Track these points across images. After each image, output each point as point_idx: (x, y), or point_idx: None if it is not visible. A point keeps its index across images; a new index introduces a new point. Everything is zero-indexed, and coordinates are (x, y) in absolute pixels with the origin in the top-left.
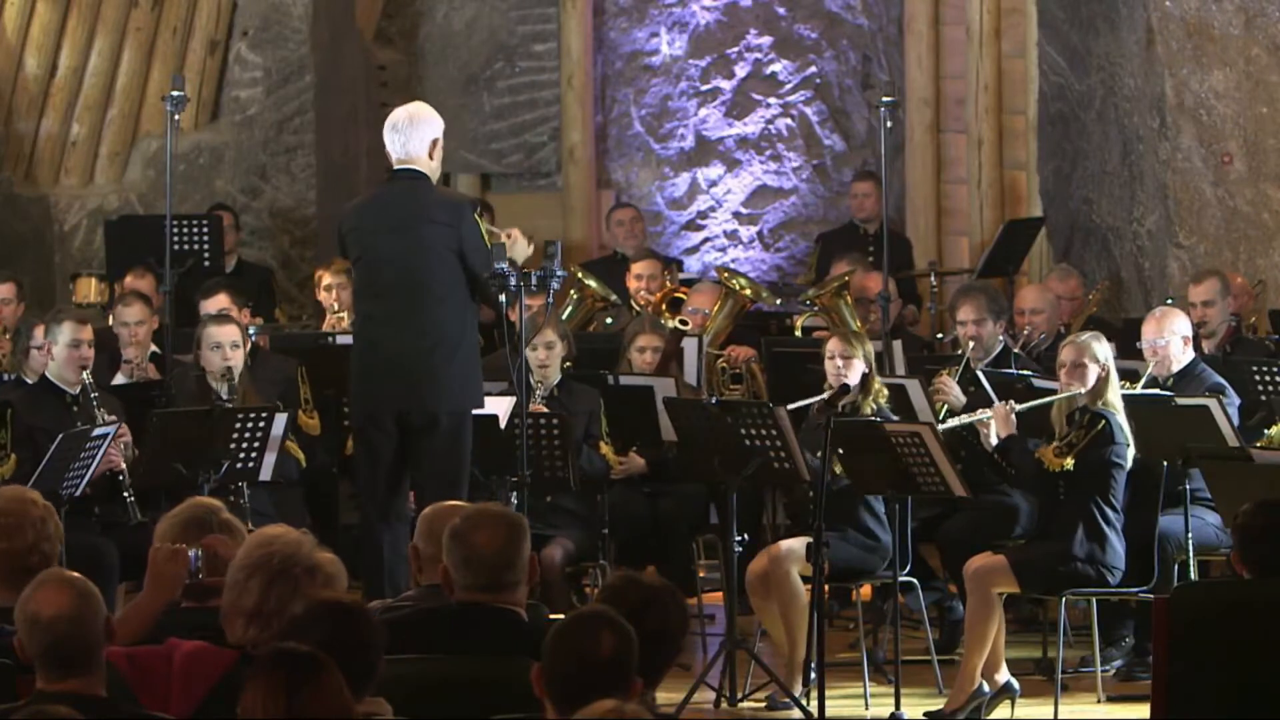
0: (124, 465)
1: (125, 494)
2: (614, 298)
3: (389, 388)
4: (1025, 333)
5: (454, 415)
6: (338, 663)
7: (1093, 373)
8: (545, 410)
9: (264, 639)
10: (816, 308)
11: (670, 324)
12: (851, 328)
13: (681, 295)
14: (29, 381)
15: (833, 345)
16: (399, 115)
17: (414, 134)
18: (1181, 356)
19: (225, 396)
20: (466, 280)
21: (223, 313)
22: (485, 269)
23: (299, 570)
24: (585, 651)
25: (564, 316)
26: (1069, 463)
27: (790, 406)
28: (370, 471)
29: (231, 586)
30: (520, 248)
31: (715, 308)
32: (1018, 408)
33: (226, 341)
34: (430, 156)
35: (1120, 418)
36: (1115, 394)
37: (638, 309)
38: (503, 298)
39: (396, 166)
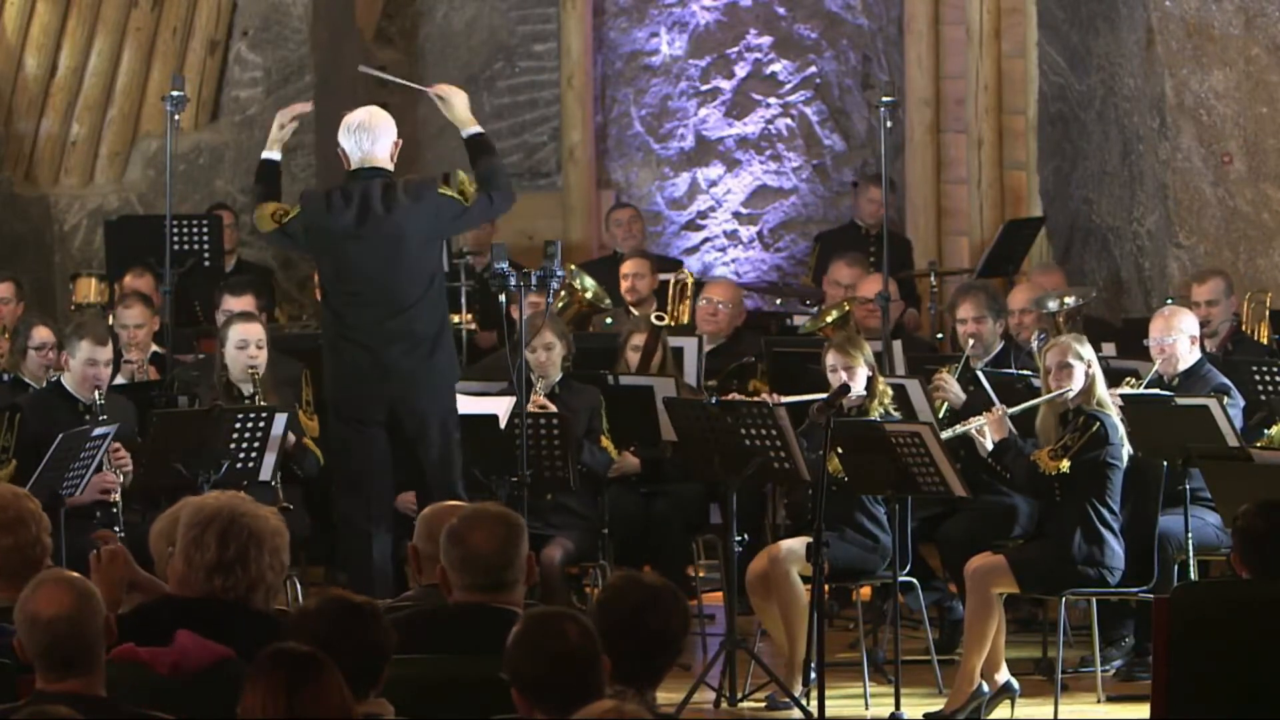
0: (118, 497)
1: (115, 528)
2: (608, 302)
3: (374, 392)
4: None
5: (443, 413)
6: (344, 662)
7: (1079, 371)
8: (549, 404)
9: (230, 586)
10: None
11: (640, 317)
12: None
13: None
14: (29, 383)
15: (832, 358)
16: (358, 117)
17: (379, 137)
18: (1188, 356)
19: (248, 395)
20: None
21: (245, 312)
22: (482, 213)
23: (249, 518)
24: (553, 648)
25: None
26: (1065, 465)
27: (787, 400)
28: (353, 476)
29: (186, 547)
30: (458, 105)
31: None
32: (1010, 411)
33: (253, 339)
34: (391, 159)
35: (1113, 417)
36: (1105, 392)
37: (628, 306)
38: (502, 297)
39: (356, 166)
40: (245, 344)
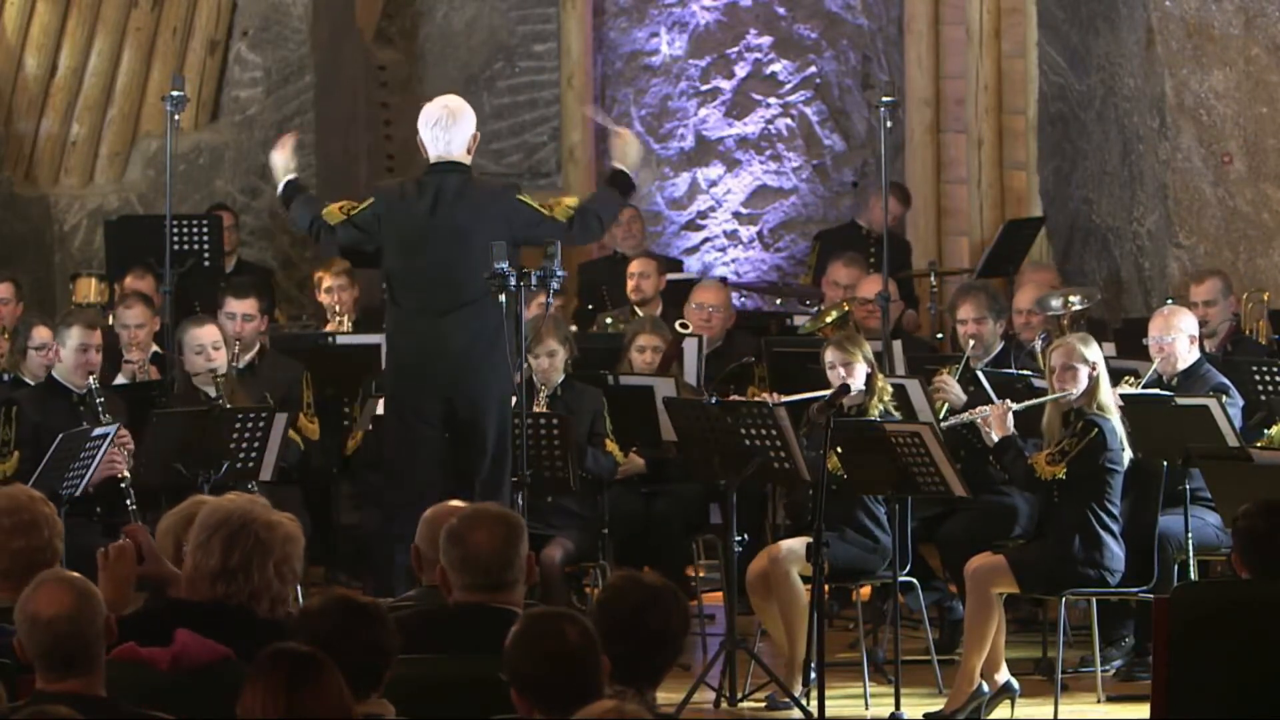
0: (126, 472)
1: (127, 501)
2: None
3: (436, 381)
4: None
5: (501, 404)
6: (347, 661)
7: (1083, 374)
8: (546, 411)
9: (233, 593)
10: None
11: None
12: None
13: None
14: (29, 383)
15: (831, 355)
16: (438, 110)
17: (456, 130)
18: (1187, 355)
19: (213, 397)
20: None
21: (247, 314)
22: (559, 233)
23: (258, 525)
24: (553, 648)
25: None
26: (1061, 471)
27: (787, 399)
28: (407, 466)
29: (194, 550)
30: (633, 149)
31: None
32: (1015, 407)
33: (209, 343)
34: (469, 152)
35: (1114, 421)
36: (1108, 395)
37: (633, 306)
38: (502, 298)
39: (435, 160)
40: (201, 348)
